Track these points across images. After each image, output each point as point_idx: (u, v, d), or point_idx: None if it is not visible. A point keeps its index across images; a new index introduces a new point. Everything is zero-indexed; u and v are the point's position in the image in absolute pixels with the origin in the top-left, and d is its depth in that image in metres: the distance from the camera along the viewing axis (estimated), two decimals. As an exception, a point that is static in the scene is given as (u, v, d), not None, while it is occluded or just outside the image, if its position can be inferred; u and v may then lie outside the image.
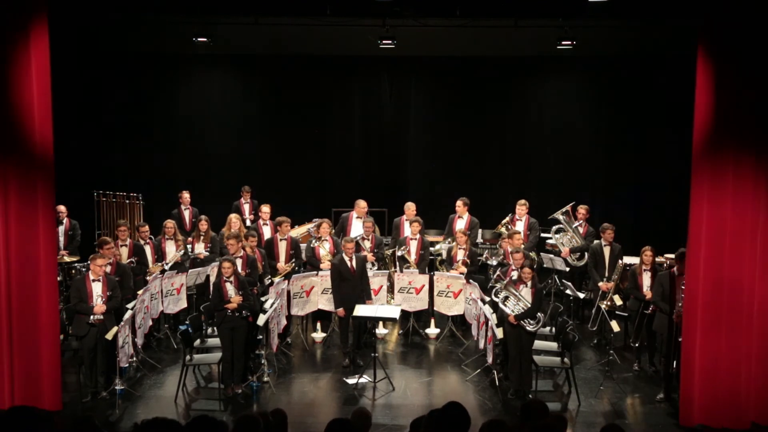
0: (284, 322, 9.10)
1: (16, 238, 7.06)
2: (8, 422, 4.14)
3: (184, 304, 9.38)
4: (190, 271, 9.48)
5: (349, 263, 8.79)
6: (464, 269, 9.62)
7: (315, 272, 9.44)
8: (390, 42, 11.03)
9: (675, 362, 7.60)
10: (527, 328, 7.73)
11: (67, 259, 10.03)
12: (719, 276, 6.98)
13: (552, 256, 10.32)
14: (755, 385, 7.08)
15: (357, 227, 10.39)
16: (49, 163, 7.13)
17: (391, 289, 9.67)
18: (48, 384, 7.27)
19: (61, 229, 10.42)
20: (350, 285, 8.78)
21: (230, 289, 7.84)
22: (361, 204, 10.58)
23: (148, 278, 9.13)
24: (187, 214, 11.18)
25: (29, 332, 7.17)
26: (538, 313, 7.80)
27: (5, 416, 4.29)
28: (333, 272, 8.83)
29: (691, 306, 7.06)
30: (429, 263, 10.16)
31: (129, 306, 8.14)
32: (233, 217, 10.15)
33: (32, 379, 7.21)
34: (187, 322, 8.43)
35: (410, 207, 10.52)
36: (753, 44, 6.76)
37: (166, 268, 9.47)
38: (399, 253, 9.84)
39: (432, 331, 9.91)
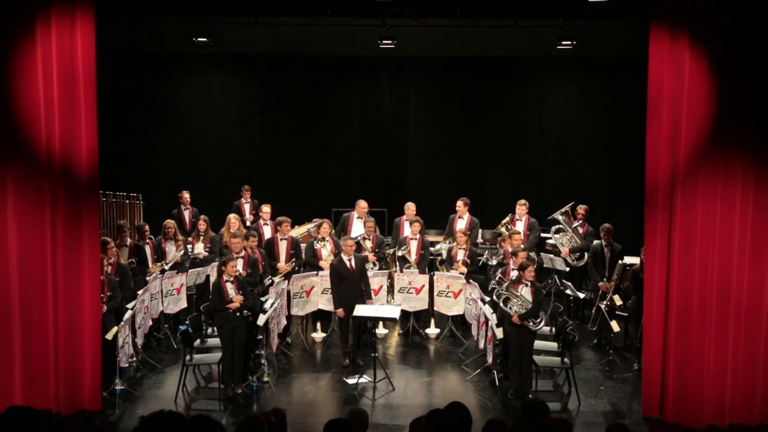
0: (284, 322, 9.10)
1: (62, 242, 7.14)
2: (5, 423, 4.13)
3: (184, 304, 9.38)
4: (190, 271, 9.48)
5: (348, 263, 8.78)
6: (464, 269, 9.61)
7: (315, 272, 9.44)
8: (390, 42, 11.03)
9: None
10: (531, 327, 7.73)
11: None
12: (710, 274, 7.10)
13: (552, 256, 10.32)
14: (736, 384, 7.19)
15: (358, 227, 10.40)
16: (94, 171, 7.23)
17: (391, 289, 9.67)
18: (89, 384, 7.35)
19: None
20: (350, 285, 8.77)
21: (230, 288, 7.84)
22: (362, 204, 10.58)
23: (148, 278, 9.13)
24: (187, 214, 11.18)
25: (74, 332, 7.25)
26: (540, 312, 7.80)
27: (2, 417, 4.28)
28: (332, 273, 8.83)
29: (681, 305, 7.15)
30: (429, 263, 10.16)
31: (129, 306, 8.15)
32: (232, 217, 10.14)
33: (76, 378, 7.30)
34: (187, 322, 8.43)
35: (410, 207, 10.51)
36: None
37: (166, 268, 9.47)
38: (400, 253, 9.83)
39: (432, 331, 9.91)
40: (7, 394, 7.08)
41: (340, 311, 8.80)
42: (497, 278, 8.43)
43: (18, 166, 7.04)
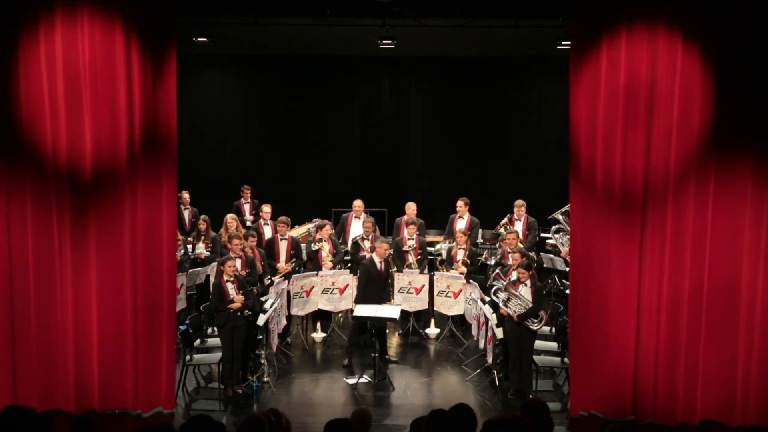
0: (284, 322, 9.10)
1: (142, 239, 7.17)
2: (4, 422, 4.12)
3: (183, 304, 9.38)
4: (190, 271, 9.48)
5: (379, 265, 8.83)
6: (464, 269, 9.61)
7: (315, 272, 9.44)
8: (390, 42, 11.03)
9: None
10: (531, 327, 7.73)
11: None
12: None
13: (552, 256, 10.31)
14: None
15: (356, 228, 10.42)
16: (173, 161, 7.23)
17: (391, 289, 9.66)
18: (165, 383, 7.38)
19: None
20: (377, 286, 8.85)
21: (231, 289, 7.84)
22: (357, 204, 10.63)
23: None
24: (186, 214, 11.18)
25: (153, 331, 7.28)
26: (540, 312, 7.80)
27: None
28: (363, 273, 8.86)
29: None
30: (429, 263, 10.16)
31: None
32: (229, 218, 10.14)
33: (153, 376, 7.33)
34: (187, 322, 8.42)
35: (411, 207, 10.52)
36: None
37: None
38: (406, 248, 9.82)
39: (432, 331, 9.91)
40: (87, 395, 7.21)
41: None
42: (494, 275, 8.44)
43: (32, 169, 7.05)
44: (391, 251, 9.99)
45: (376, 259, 8.86)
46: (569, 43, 7.46)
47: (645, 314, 7.17)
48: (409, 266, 9.72)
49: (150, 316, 7.25)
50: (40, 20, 6.87)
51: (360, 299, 8.83)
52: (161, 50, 7.05)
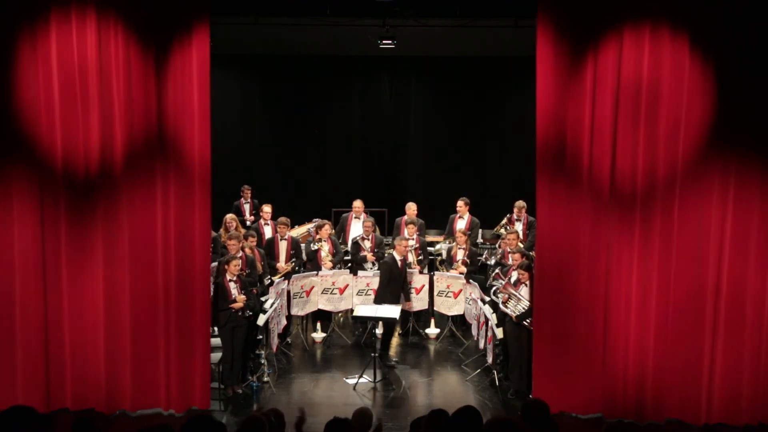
0: (284, 322, 9.10)
1: (175, 232, 7.21)
2: (5, 422, 4.12)
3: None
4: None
5: (399, 263, 8.86)
6: (464, 269, 9.62)
7: (315, 272, 9.45)
8: (390, 42, 11.04)
9: None
10: (530, 327, 7.72)
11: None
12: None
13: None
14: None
15: (356, 228, 10.43)
16: (206, 167, 7.36)
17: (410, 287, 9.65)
18: (200, 382, 7.37)
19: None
20: (397, 284, 8.89)
21: (234, 288, 7.84)
22: (356, 204, 10.65)
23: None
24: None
25: (187, 330, 7.28)
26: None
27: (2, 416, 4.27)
28: (385, 271, 8.89)
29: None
30: (429, 263, 10.16)
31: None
32: (229, 218, 10.13)
33: (187, 376, 7.33)
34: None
35: (411, 207, 10.54)
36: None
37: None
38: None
39: (432, 331, 9.91)
40: (119, 395, 7.22)
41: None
42: (494, 275, 8.45)
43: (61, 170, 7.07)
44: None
45: (397, 257, 8.89)
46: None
47: (613, 312, 7.19)
48: (409, 265, 9.73)
49: (183, 315, 7.25)
50: (37, 19, 6.86)
51: (380, 297, 8.84)
52: (163, 49, 7.04)
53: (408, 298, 9.16)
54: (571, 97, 7.06)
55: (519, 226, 10.35)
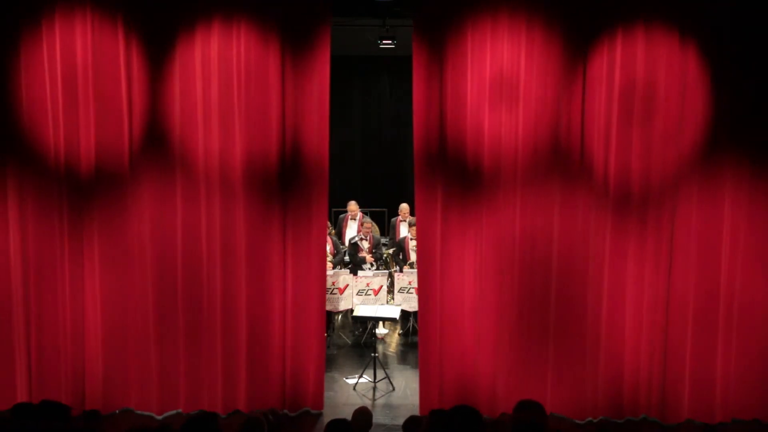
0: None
1: (292, 240, 7.25)
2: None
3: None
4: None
5: None
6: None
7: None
8: (390, 42, 11.03)
9: None
10: None
11: None
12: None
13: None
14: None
15: (351, 229, 10.48)
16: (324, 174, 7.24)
17: (391, 289, 9.66)
18: (313, 383, 7.42)
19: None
20: None
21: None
22: (351, 206, 10.74)
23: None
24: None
25: (302, 330, 7.31)
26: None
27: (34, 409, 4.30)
28: None
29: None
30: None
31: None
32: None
33: (302, 377, 7.36)
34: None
35: (404, 209, 10.62)
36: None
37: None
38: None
39: (432, 331, 9.89)
40: (232, 395, 7.26)
41: None
42: None
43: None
44: (391, 251, 10.01)
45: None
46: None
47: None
48: (412, 265, 9.73)
49: (299, 316, 7.28)
50: (41, 20, 6.87)
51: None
52: (165, 49, 7.01)
53: None
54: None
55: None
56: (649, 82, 6.89)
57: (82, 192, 7.05)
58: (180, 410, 7.30)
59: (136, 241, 7.12)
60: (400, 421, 7.18)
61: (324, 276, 7.49)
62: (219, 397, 7.24)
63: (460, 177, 7.10)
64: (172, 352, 7.20)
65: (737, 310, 7.12)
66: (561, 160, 7.04)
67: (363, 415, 5.17)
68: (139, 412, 7.29)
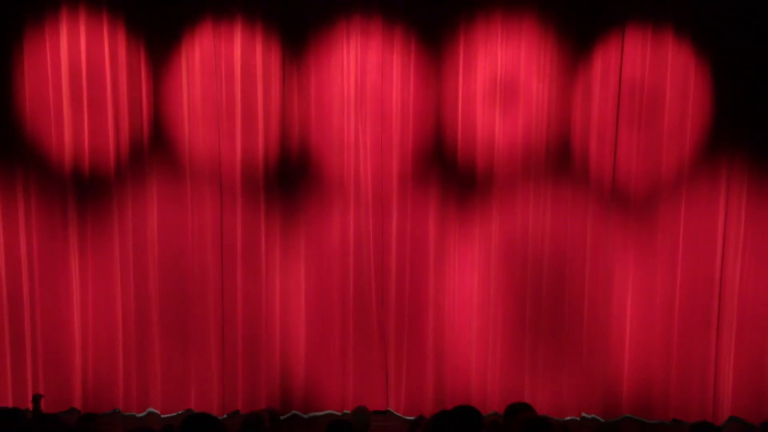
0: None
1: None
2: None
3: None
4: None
5: None
6: None
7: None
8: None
9: None
10: None
11: None
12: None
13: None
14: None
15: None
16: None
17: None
18: (379, 381, 7.32)
19: None
20: None
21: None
22: None
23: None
24: None
25: (365, 331, 7.22)
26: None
27: None
28: None
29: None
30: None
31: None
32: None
33: (366, 378, 7.27)
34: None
35: None
36: None
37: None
38: None
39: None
40: (290, 396, 7.22)
41: None
42: None
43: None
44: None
45: None
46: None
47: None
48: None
49: (360, 317, 7.23)
50: (44, 21, 6.88)
51: None
52: (167, 49, 7.01)
53: None
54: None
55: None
56: (649, 83, 6.89)
57: (85, 191, 7.05)
58: (179, 412, 7.30)
59: (139, 240, 7.11)
60: (400, 421, 7.20)
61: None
62: (216, 397, 7.20)
63: (457, 177, 7.10)
64: (174, 350, 7.21)
65: (738, 309, 7.10)
66: (559, 161, 7.03)
67: (363, 414, 5.17)
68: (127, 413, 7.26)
